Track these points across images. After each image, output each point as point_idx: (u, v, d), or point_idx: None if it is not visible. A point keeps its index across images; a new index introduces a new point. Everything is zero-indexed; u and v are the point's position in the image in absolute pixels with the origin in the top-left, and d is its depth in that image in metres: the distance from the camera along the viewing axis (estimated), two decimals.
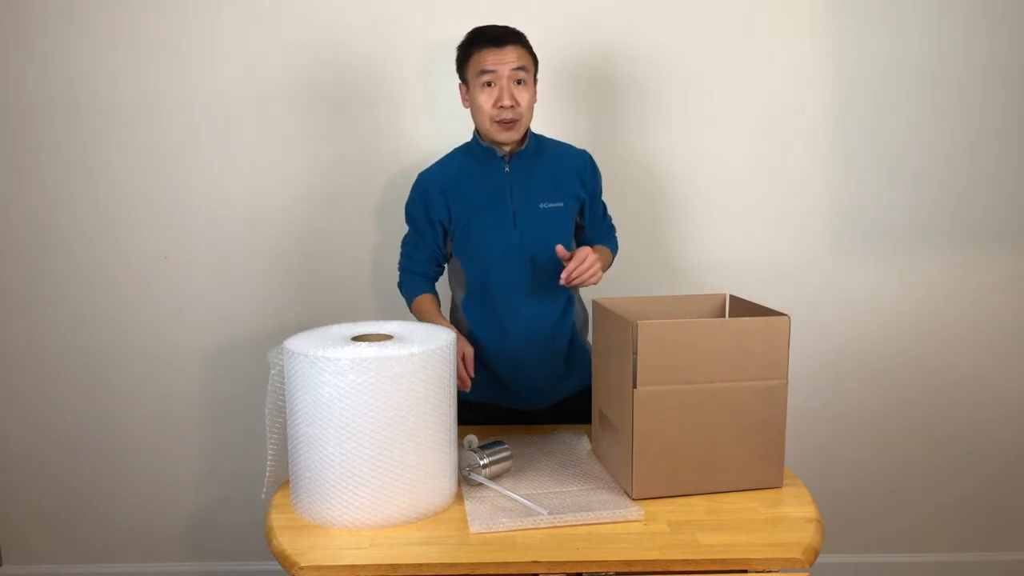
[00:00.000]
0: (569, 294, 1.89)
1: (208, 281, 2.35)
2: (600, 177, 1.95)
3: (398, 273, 1.95)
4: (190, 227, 2.32)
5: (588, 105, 2.29)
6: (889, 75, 2.27)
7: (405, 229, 1.93)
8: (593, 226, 1.96)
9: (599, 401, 1.68)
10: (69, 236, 2.32)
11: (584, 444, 1.75)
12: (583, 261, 1.67)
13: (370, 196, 2.32)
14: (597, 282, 1.71)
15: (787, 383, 1.50)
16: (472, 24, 1.82)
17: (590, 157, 1.92)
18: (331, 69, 2.26)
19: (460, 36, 1.81)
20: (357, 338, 1.47)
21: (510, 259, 1.80)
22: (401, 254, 1.95)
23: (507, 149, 1.83)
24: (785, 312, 1.51)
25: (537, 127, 1.93)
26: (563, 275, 1.67)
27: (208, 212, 2.31)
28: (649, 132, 2.31)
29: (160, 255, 2.33)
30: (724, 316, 1.72)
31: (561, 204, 1.83)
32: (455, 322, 1.94)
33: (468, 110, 1.83)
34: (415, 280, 1.91)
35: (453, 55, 1.83)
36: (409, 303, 1.92)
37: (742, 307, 1.65)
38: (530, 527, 1.38)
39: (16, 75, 2.24)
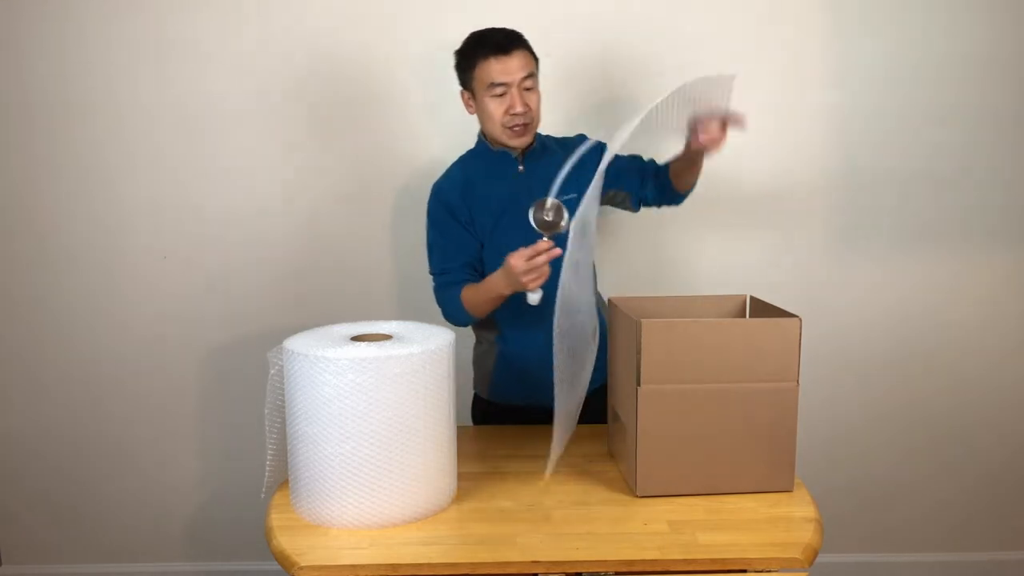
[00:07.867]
0: (593, 291, 1.85)
1: (207, 282, 2.34)
2: (605, 147, 1.82)
3: (440, 306, 1.85)
4: (189, 228, 2.31)
5: (597, 105, 2.28)
6: (893, 75, 2.26)
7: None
8: (646, 166, 1.91)
9: (613, 399, 1.68)
10: (68, 237, 2.31)
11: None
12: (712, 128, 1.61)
13: (371, 196, 2.31)
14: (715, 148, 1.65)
15: (798, 386, 1.49)
16: (471, 23, 1.80)
17: (586, 138, 1.85)
18: (334, 68, 2.25)
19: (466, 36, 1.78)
20: (357, 338, 1.46)
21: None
22: (434, 277, 1.86)
23: (519, 149, 1.83)
24: (797, 314, 1.49)
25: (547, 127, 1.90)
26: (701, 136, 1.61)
27: (206, 213, 2.31)
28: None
29: (159, 256, 2.33)
30: (743, 317, 1.70)
31: (576, 195, 1.77)
32: (483, 325, 1.91)
33: (473, 116, 1.81)
34: (456, 290, 1.81)
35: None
36: (459, 307, 1.80)
37: (760, 308, 1.64)
38: (530, 528, 1.38)
39: (13, 77, 2.23)
